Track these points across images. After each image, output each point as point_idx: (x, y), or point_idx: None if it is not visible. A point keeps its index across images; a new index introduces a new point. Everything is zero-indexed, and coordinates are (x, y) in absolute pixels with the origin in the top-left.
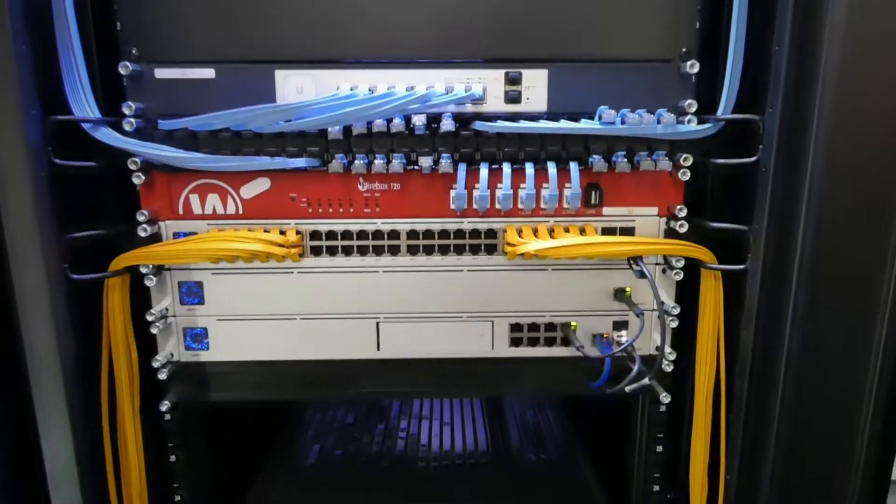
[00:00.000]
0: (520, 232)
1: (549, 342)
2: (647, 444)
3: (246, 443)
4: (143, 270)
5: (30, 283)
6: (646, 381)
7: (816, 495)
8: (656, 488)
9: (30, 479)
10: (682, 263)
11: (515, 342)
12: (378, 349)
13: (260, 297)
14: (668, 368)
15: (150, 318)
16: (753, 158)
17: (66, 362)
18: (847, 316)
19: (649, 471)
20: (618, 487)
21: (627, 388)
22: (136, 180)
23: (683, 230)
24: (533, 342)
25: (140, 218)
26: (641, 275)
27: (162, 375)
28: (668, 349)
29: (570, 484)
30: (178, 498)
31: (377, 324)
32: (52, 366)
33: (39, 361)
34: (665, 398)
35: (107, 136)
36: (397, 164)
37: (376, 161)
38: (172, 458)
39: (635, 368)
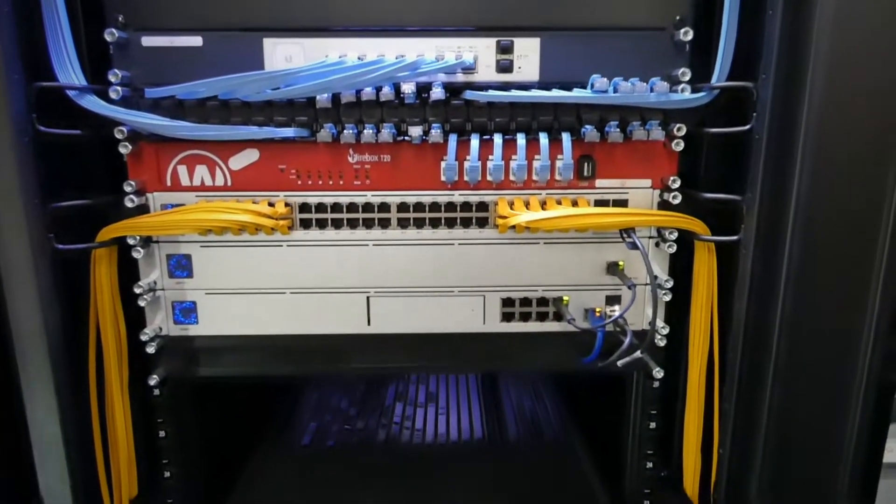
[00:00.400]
0: (511, 204)
1: (542, 317)
2: (641, 420)
3: (238, 423)
4: (131, 242)
5: (14, 253)
6: (637, 353)
7: (809, 470)
8: (650, 465)
9: (16, 455)
10: (675, 236)
11: (507, 317)
12: (368, 324)
13: (249, 270)
14: (661, 343)
15: (137, 290)
16: (747, 127)
17: (51, 334)
18: (841, 286)
19: (643, 447)
20: (612, 468)
21: (619, 362)
22: (122, 150)
23: (677, 202)
24: (525, 317)
25: (127, 188)
26: (634, 246)
27: (150, 349)
28: (660, 323)
29: (565, 466)
30: (167, 474)
31: (367, 298)
32: (37, 338)
33: (24, 333)
34: (658, 373)
35: (92, 103)
36: (387, 133)
37: (366, 131)
38: (162, 433)
39: (626, 341)
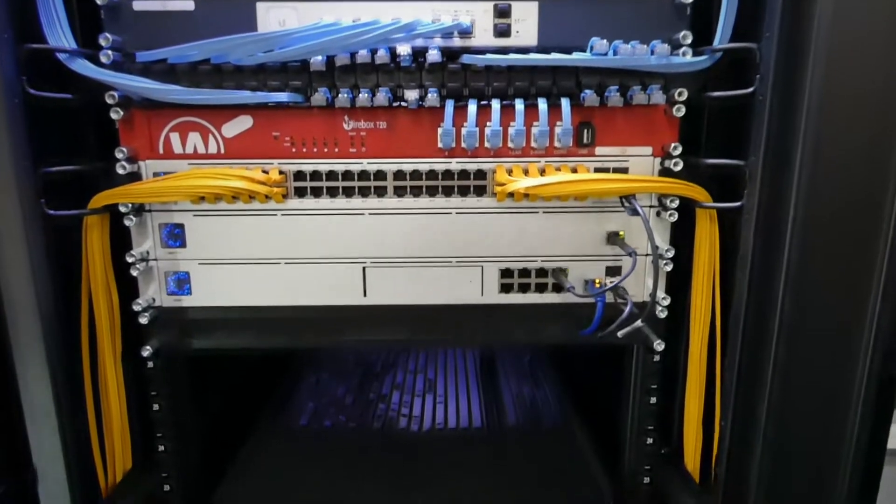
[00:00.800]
0: (510, 172)
1: (541, 288)
2: (641, 396)
3: (235, 402)
4: (123, 210)
5: (4, 217)
6: (638, 323)
7: (813, 442)
8: (649, 441)
9: (9, 427)
10: (676, 204)
11: (505, 288)
12: (364, 295)
13: (243, 240)
14: (662, 314)
15: (130, 259)
16: (750, 89)
17: (43, 303)
18: (846, 253)
19: (642, 423)
20: (612, 447)
21: (619, 333)
22: (113, 115)
23: (678, 168)
24: (524, 288)
25: (119, 155)
26: (634, 212)
27: (143, 320)
28: (661, 294)
29: (564, 449)
30: (161, 448)
31: (363, 269)
32: (29, 307)
33: (16, 301)
34: (658, 345)
35: (83, 67)
36: (382, 97)
37: (361, 95)
38: (156, 406)
39: (626, 309)
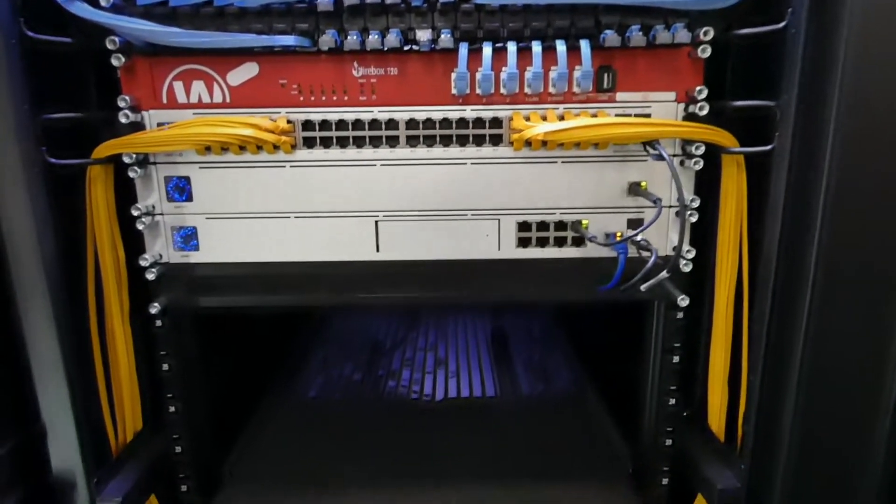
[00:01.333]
0: (527, 119)
1: (560, 242)
2: (663, 355)
3: (244, 368)
4: (127, 160)
5: (4, 165)
6: (664, 274)
7: (850, 395)
8: (672, 402)
9: (18, 384)
10: (701, 150)
11: (523, 242)
12: (377, 250)
13: (251, 193)
14: (687, 268)
15: (135, 212)
16: (781, 24)
17: (47, 257)
18: (885, 195)
19: (664, 384)
20: (630, 413)
21: (643, 287)
22: (115, 62)
23: (704, 112)
24: (542, 242)
25: (121, 104)
26: (659, 157)
27: (150, 276)
28: (686, 246)
29: (579, 415)
30: (171, 409)
31: (376, 222)
32: (33, 259)
33: (19, 252)
34: (682, 300)
35: (81, 9)
36: (393, 38)
37: (371, 37)
38: (165, 366)
39: (651, 259)
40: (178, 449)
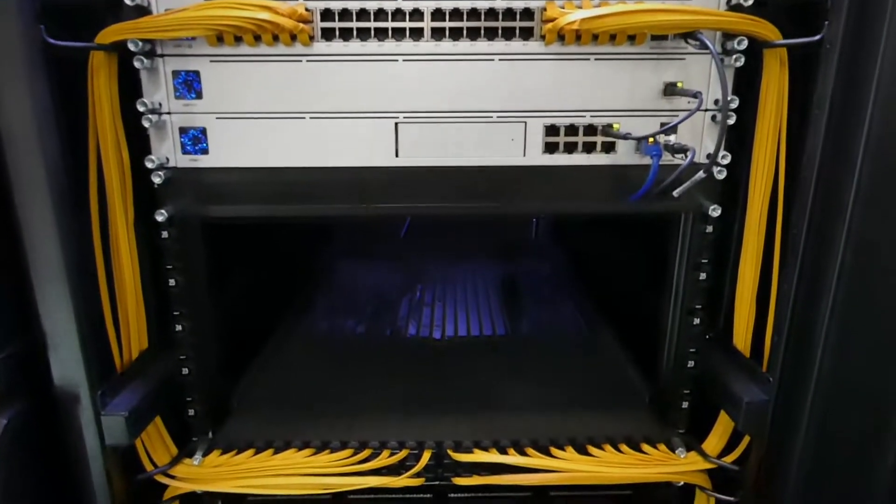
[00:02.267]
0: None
1: (588, 148)
2: (689, 272)
3: (258, 290)
4: (133, 48)
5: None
6: (700, 174)
7: (886, 310)
8: (696, 321)
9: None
10: (744, 45)
11: (550, 148)
12: (397, 155)
13: (265, 90)
14: (721, 175)
15: (141, 108)
16: None
17: (48, 145)
18: None
19: (689, 302)
20: (647, 339)
21: (677, 191)
22: None
23: (748, 3)
24: (570, 148)
25: None
26: (703, 46)
27: (157, 179)
28: (722, 151)
29: (589, 349)
30: (179, 328)
31: (396, 125)
32: (32, 149)
33: (19, 147)
34: (714, 211)
35: None
36: None
37: None
38: (172, 282)
39: (688, 159)
40: (186, 370)
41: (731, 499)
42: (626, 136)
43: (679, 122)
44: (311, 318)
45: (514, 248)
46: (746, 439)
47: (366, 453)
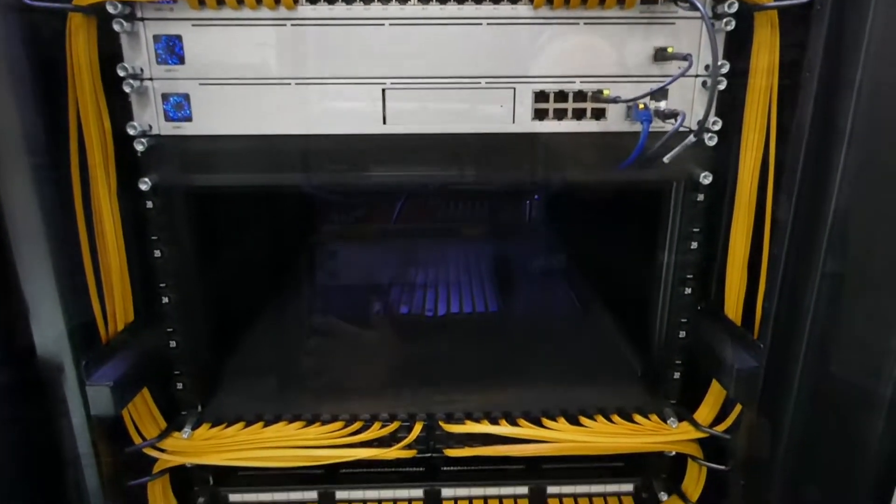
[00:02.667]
0: None
1: (578, 115)
2: (679, 242)
3: (247, 266)
4: (111, 10)
5: None
6: (690, 139)
7: (878, 274)
8: (687, 291)
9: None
10: (735, 8)
11: (540, 114)
12: (384, 122)
13: (249, 54)
14: (711, 141)
15: (121, 72)
16: None
17: (27, 116)
18: None
19: (680, 272)
20: (638, 311)
21: (667, 157)
22: None
23: None
24: (560, 115)
25: None
26: (692, 7)
27: (139, 147)
28: (712, 117)
29: (580, 324)
30: (165, 300)
31: (383, 91)
32: (12, 119)
33: None
34: (705, 178)
35: None
36: None
37: None
38: (157, 252)
39: (678, 120)
40: (173, 343)
41: (723, 467)
42: (615, 100)
43: (669, 84)
44: (302, 295)
45: (505, 227)
46: (738, 408)
47: (357, 426)
